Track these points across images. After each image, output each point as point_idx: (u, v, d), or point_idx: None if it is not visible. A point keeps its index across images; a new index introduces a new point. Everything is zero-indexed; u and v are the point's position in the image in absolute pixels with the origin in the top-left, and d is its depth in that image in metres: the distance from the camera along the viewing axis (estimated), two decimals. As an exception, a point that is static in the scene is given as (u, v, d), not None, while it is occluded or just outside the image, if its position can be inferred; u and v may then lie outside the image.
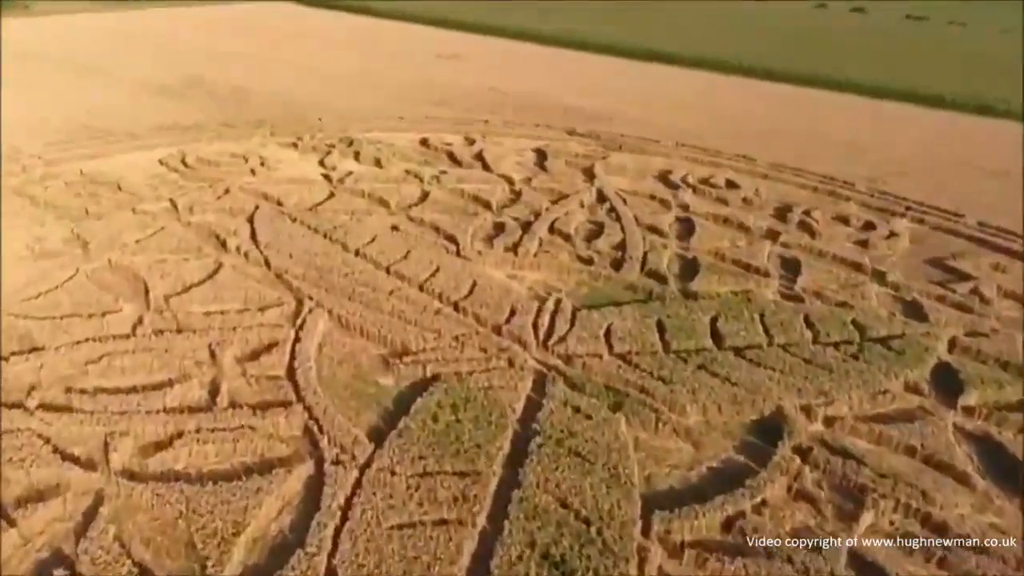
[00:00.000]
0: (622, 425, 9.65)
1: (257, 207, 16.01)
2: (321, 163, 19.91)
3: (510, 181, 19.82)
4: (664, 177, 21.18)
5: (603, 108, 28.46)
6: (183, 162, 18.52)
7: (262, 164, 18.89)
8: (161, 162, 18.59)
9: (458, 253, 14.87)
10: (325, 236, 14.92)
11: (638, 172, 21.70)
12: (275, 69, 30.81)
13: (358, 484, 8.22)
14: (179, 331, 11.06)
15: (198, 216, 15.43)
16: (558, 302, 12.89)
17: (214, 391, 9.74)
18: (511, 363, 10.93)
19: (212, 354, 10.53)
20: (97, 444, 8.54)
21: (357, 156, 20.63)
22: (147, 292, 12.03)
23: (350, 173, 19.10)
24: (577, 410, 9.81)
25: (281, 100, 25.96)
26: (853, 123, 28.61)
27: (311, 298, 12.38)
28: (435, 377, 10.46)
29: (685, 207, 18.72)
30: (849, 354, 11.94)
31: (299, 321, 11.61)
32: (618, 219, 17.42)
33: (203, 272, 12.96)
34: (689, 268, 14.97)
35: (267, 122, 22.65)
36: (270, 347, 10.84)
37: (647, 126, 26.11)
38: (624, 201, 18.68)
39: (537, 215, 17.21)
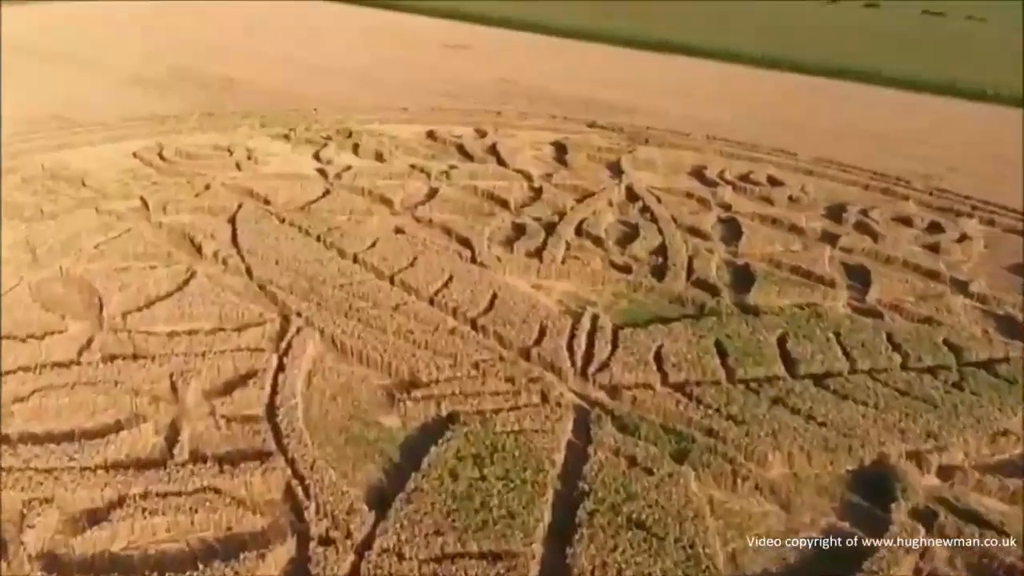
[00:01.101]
0: (692, 481, 7.54)
1: (240, 206, 13.86)
2: (316, 156, 17.75)
3: (528, 177, 17.69)
4: (699, 173, 19.08)
5: (622, 100, 26.37)
6: (160, 155, 16.43)
7: (249, 157, 16.81)
8: (135, 155, 16.47)
9: (473, 259, 12.67)
10: (318, 240, 12.83)
11: (669, 167, 19.54)
12: (269, 61, 28.72)
13: (355, 572, 6.19)
14: (135, 357, 8.96)
15: (172, 216, 13.30)
16: (595, 319, 10.82)
17: (172, 437, 7.64)
18: (545, 397, 8.84)
19: (173, 387, 8.44)
20: (12, 516, 6.41)
21: (356, 149, 18.56)
22: (101, 307, 9.89)
23: (348, 168, 16.95)
24: (633, 462, 7.70)
25: (274, 91, 23.86)
26: (891, 116, 26.51)
27: (300, 315, 10.28)
28: (452, 417, 8.37)
29: (727, 206, 16.66)
30: (950, 383, 9.82)
31: (284, 344, 9.50)
32: (654, 220, 15.27)
33: (172, 283, 10.87)
34: (742, 276, 12.95)
35: (256, 113, 20.58)
36: (247, 378, 8.74)
37: (671, 118, 24.01)
38: (658, 199, 16.56)
39: (561, 215, 15.13)
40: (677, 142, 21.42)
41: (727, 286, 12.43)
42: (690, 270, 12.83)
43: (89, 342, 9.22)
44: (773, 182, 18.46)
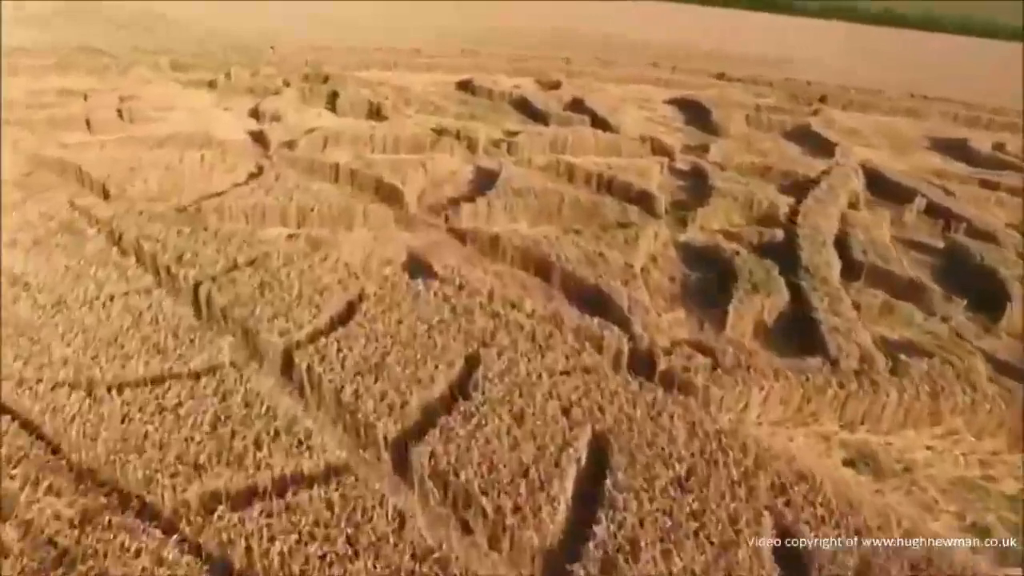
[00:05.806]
0: None
1: (19, 204, 5.78)
2: (254, 112, 9.64)
3: (663, 149, 9.55)
4: (959, 147, 11.31)
5: (747, 49, 18.21)
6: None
7: (119, 111, 8.73)
8: None
9: (632, 364, 4.66)
10: (195, 299, 4.67)
11: (893, 137, 11.55)
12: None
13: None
14: None
15: None
16: None
17: None
18: None
19: None
20: None
21: (333, 100, 10.35)
22: None
23: (311, 131, 8.61)
24: None
25: (214, 28, 15.61)
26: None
27: None
28: None
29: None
30: None
31: None
32: (980, 236, 7.05)
33: None
34: None
35: (173, 51, 12.51)
36: None
37: (832, 72, 16.00)
38: (945, 191, 8.54)
39: (781, 226, 7.17)
40: (871, 101, 13.43)
41: None
42: None
43: None
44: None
